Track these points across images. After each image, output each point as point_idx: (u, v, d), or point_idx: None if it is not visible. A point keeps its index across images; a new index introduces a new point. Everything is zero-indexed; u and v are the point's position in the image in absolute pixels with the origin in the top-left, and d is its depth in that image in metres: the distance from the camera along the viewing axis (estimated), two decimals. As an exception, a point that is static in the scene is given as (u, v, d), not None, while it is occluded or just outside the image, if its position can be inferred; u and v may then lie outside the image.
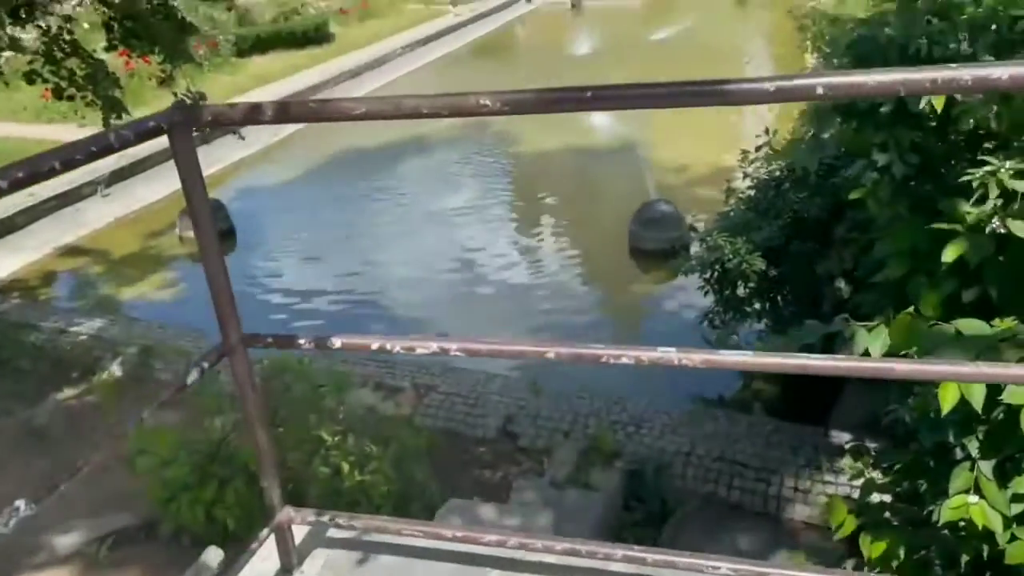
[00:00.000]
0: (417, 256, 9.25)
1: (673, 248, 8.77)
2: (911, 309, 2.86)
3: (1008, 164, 2.77)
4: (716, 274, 5.72)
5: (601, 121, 13.30)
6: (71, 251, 9.81)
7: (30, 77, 5.03)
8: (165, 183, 11.04)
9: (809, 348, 2.89)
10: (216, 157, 11.89)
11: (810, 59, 10.96)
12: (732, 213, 5.75)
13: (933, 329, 2.81)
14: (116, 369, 6.37)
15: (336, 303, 8.24)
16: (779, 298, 5.86)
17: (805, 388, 5.59)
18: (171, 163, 1.69)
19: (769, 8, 25.04)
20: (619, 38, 22.50)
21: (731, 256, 5.09)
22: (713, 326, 6.08)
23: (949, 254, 2.89)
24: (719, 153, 11.14)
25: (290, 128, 15.51)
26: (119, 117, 4.67)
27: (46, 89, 5.14)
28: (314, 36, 21.05)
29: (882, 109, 3.31)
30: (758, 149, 5.53)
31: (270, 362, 4.02)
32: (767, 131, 5.49)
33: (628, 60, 18.56)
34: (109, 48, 4.83)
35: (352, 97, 1.51)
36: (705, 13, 24.82)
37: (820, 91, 1.19)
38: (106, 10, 4.76)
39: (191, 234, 10.27)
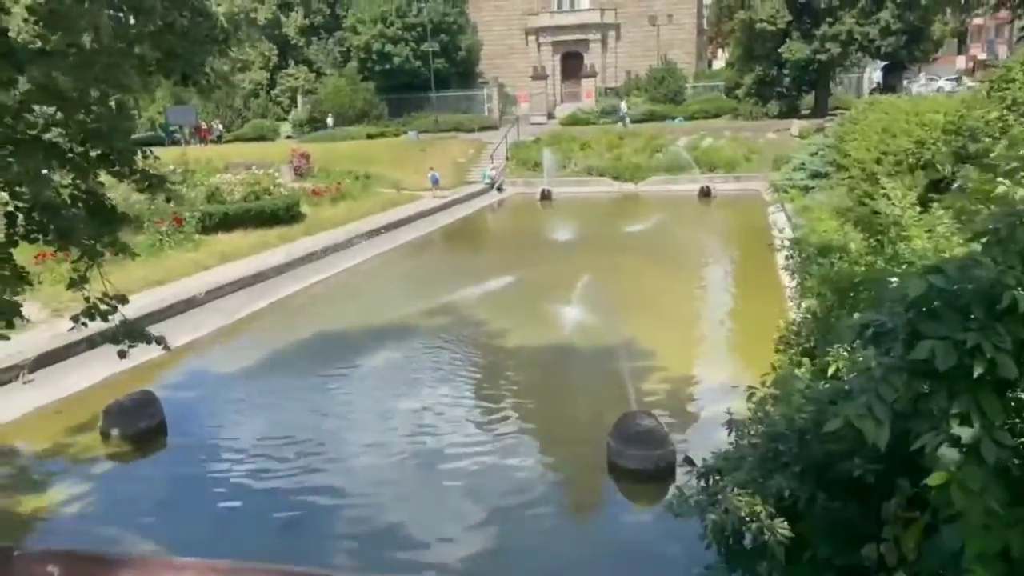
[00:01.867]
0: (366, 466, 8.15)
1: (657, 468, 7.87)
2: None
3: None
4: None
5: (581, 319, 12.61)
6: (-26, 447, 8.58)
7: None
8: (95, 370, 10.03)
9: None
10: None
11: (786, 278, 10.59)
12: (738, 454, 4.91)
13: None
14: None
15: (267, 521, 7.04)
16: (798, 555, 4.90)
17: None
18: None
19: (731, 206, 25.81)
20: (595, 229, 22.74)
21: (749, 519, 4.20)
22: (718, 586, 5.06)
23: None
24: (705, 366, 10.50)
25: (249, 308, 14.70)
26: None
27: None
28: (284, 216, 20.90)
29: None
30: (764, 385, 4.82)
31: None
32: (773, 367, 4.84)
33: (608, 250, 18.49)
34: (7, 244, 4.05)
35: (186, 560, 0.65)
36: (673, 208, 25.44)
37: None
38: (9, 198, 4.02)
39: (115, 431, 9.20)
